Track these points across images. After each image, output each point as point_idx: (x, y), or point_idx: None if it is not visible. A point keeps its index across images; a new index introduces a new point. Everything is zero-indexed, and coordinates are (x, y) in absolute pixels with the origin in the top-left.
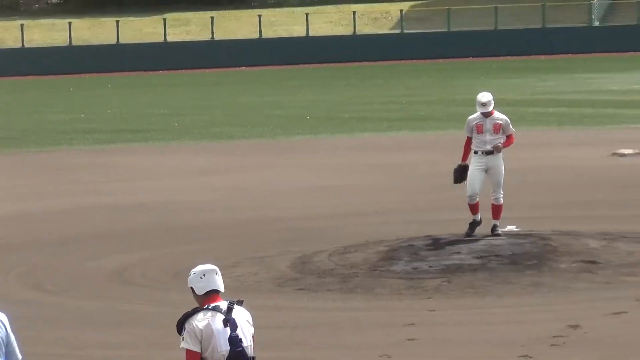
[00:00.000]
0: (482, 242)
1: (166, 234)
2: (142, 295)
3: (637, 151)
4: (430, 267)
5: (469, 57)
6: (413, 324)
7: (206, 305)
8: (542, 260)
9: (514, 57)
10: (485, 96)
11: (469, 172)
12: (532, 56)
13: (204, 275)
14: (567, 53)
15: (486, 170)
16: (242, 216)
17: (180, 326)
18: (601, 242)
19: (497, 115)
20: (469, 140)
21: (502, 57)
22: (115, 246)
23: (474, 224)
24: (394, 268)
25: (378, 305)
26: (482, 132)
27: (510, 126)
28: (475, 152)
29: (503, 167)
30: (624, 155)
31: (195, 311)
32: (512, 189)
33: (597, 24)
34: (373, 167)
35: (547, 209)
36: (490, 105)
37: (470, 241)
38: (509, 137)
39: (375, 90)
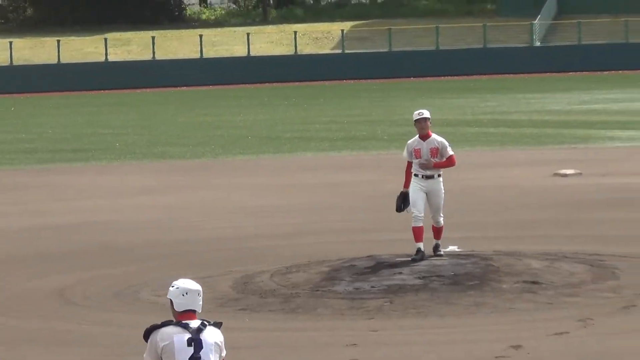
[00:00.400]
0: (424, 263)
1: (107, 254)
2: (83, 315)
3: (577, 171)
4: (373, 287)
5: (410, 77)
6: (355, 344)
7: (178, 321)
8: (484, 280)
9: (456, 77)
10: (420, 111)
11: (410, 194)
12: (474, 76)
13: (186, 293)
14: (509, 73)
15: (426, 194)
16: (183, 236)
17: (147, 335)
18: (543, 263)
19: (435, 137)
20: (409, 165)
21: (443, 77)
22: (56, 266)
23: (419, 252)
24: (336, 288)
25: (320, 326)
26: (419, 157)
27: (449, 149)
28: (415, 175)
29: (443, 191)
30: (565, 175)
31: (165, 324)
32: (453, 210)
33: (538, 44)
34: (315, 187)
35: (489, 229)
36: (425, 114)
37: (412, 262)
38: (449, 158)
39: (316, 110)
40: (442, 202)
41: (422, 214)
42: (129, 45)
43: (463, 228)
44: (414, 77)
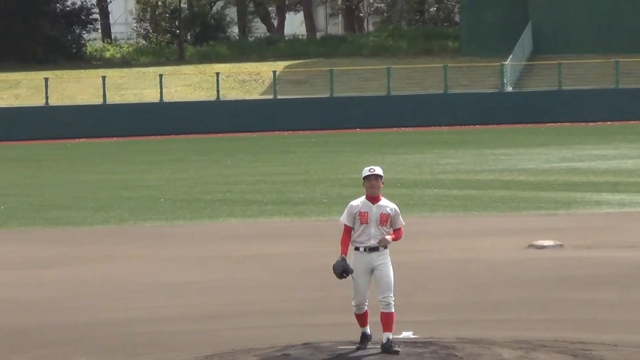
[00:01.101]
0: (373, 353)
1: None
2: None
3: (558, 242)
4: None
5: (356, 128)
6: None
7: None
8: None
9: (411, 129)
10: (372, 167)
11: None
12: (433, 128)
13: None
14: (474, 124)
15: (371, 271)
16: (83, 317)
17: None
18: (516, 353)
19: (386, 203)
20: (348, 231)
21: (396, 129)
22: None
23: (365, 338)
24: None
25: None
26: (366, 223)
27: (400, 218)
28: (357, 249)
29: (391, 265)
30: (542, 247)
31: None
32: (408, 288)
33: (510, 89)
34: (240, 260)
35: (451, 311)
36: (378, 171)
37: (358, 352)
38: (397, 230)
39: (243, 167)
40: (392, 279)
41: (366, 301)
42: (17, 88)
43: (420, 310)
44: (360, 128)
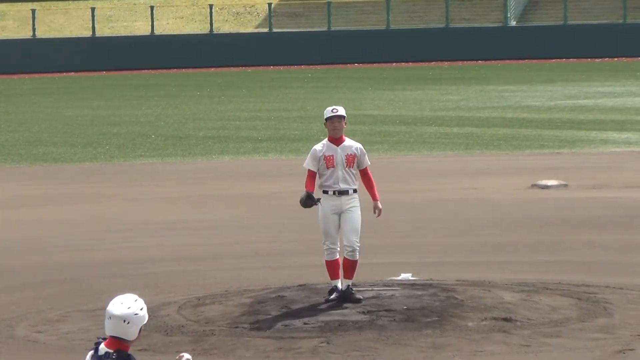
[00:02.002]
0: (369, 294)
1: None
2: None
3: (562, 182)
4: (305, 324)
5: (354, 63)
6: None
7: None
8: (445, 316)
9: (411, 64)
10: (334, 107)
11: (320, 218)
12: (434, 63)
13: (109, 317)
14: (477, 60)
15: (339, 215)
16: (70, 259)
17: None
18: (518, 295)
19: (350, 142)
20: (312, 175)
21: (395, 64)
22: None
23: (337, 293)
24: (260, 325)
25: None
26: (333, 166)
27: (367, 157)
28: (325, 192)
29: (359, 211)
30: (546, 187)
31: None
32: (407, 228)
33: (513, 23)
34: (234, 198)
35: (452, 253)
36: (341, 111)
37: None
38: (367, 175)
39: (237, 102)
40: (359, 225)
41: (337, 245)
42: (4, 20)
43: (419, 251)
44: (358, 63)
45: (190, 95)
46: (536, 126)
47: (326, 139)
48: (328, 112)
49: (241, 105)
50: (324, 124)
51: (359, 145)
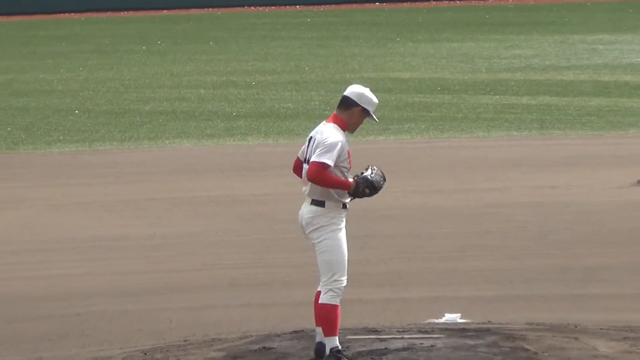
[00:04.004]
0: (397, 344)
1: None
2: None
3: None
4: None
5: (374, 1)
6: None
7: None
8: None
9: (459, 2)
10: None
11: (338, 241)
12: (491, 1)
13: None
14: None
15: None
16: None
17: None
18: (618, 345)
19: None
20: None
21: (435, 2)
22: None
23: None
24: None
25: None
26: (351, 167)
27: None
28: (344, 207)
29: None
30: None
31: None
32: (454, 245)
33: None
34: (197, 204)
35: (518, 282)
36: None
37: (373, 340)
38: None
39: (201, 62)
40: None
41: None
42: None
43: (471, 280)
44: (380, 2)
45: (132, 50)
46: None
47: (338, 126)
48: (373, 100)
49: (207, 65)
50: (357, 111)
51: None
